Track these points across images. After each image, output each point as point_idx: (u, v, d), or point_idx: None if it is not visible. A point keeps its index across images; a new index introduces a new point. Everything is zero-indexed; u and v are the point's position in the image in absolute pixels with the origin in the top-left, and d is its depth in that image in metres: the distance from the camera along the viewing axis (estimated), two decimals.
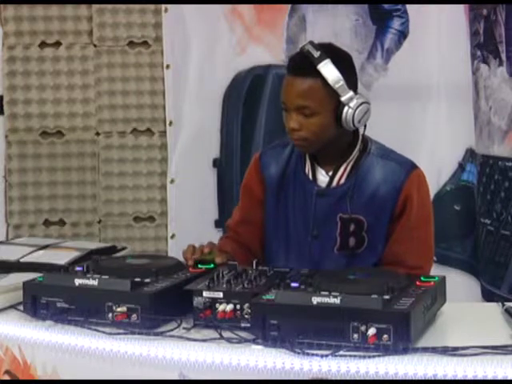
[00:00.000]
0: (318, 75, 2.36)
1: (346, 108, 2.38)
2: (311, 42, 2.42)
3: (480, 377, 1.71)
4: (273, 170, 2.58)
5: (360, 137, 2.52)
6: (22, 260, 2.50)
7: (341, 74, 2.36)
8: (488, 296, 3.23)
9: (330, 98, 2.37)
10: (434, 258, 3.50)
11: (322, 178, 2.52)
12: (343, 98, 2.37)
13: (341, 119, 2.39)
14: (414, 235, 2.49)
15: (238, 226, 2.66)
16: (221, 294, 1.99)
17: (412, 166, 2.51)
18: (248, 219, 2.64)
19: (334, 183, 2.50)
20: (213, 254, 2.38)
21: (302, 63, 2.40)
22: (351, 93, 2.38)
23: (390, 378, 1.74)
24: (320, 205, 2.50)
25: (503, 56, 3.12)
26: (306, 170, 2.53)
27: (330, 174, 2.50)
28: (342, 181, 2.49)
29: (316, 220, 2.50)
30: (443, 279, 2.12)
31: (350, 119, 2.39)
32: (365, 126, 2.48)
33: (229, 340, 1.90)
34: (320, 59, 2.36)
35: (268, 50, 3.66)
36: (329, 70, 2.35)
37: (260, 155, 2.65)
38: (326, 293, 1.89)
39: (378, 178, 2.47)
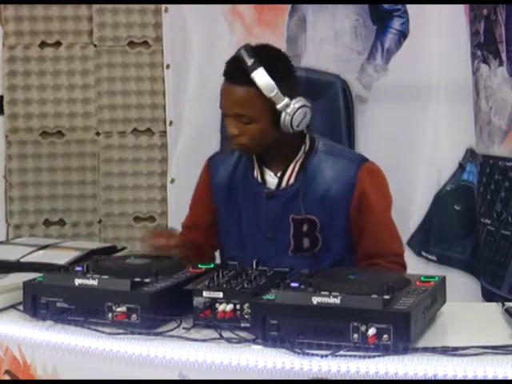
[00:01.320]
0: (253, 84, 2.34)
1: (283, 114, 2.37)
2: (246, 47, 2.39)
3: (480, 377, 1.71)
4: (221, 176, 2.59)
5: (306, 135, 2.51)
6: (22, 260, 2.51)
7: (274, 82, 2.34)
8: (488, 296, 3.23)
9: (266, 105, 2.37)
10: (434, 258, 3.53)
11: (271, 179, 2.51)
12: (279, 106, 2.36)
13: (279, 124, 2.39)
14: (382, 227, 2.51)
15: (186, 229, 2.68)
16: (221, 294, 1.99)
17: (362, 160, 2.51)
18: (195, 224, 2.65)
19: (284, 184, 2.50)
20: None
21: (237, 71, 2.38)
22: (286, 99, 2.36)
23: (390, 378, 1.74)
24: (271, 207, 2.49)
25: (503, 56, 3.11)
26: (255, 173, 2.53)
27: (279, 175, 2.50)
28: (292, 181, 2.49)
29: (269, 222, 2.50)
30: (443, 279, 2.12)
31: (288, 124, 2.38)
32: (308, 125, 2.47)
33: (229, 340, 1.90)
34: (253, 67, 2.34)
35: None
36: (262, 79, 2.34)
37: (209, 161, 2.66)
38: (326, 293, 1.89)
39: (328, 176, 2.47)
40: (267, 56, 2.40)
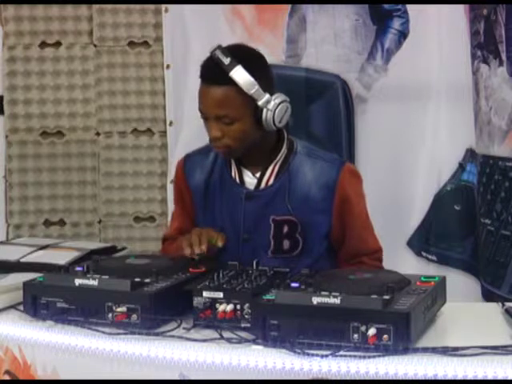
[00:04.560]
0: (232, 82, 2.34)
1: (264, 110, 2.37)
2: (220, 47, 2.39)
3: (480, 377, 1.71)
4: (197, 178, 2.56)
5: (285, 136, 2.51)
6: (22, 260, 2.51)
7: (254, 79, 2.34)
8: (488, 296, 3.23)
9: (247, 104, 2.36)
10: (434, 258, 3.53)
11: (250, 180, 2.51)
12: (260, 102, 2.36)
13: (261, 122, 2.38)
14: (364, 227, 2.54)
15: (179, 233, 2.61)
16: (221, 294, 1.99)
17: (341, 163, 2.52)
18: (185, 228, 2.60)
19: (263, 185, 2.49)
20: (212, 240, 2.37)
21: (214, 71, 2.38)
22: (267, 95, 2.37)
23: (390, 378, 1.74)
24: (249, 208, 2.48)
25: (503, 56, 3.11)
26: (233, 174, 2.52)
27: (258, 175, 2.50)
28: (271, 182, 2.48)
29: (246, 223, 2.49)
30: (443, 279, 2.12)
31: (270, 121, 2.38)
32: (287, 124, 2.45)
33: (229, 340, 1.90)
34: (231, 66, 2.34)
35: (268, 49, 3.64)
36: (241, 77, 2.33)
37: (184, 162, 2.63)
38: (326, 293, 1.89)
39: (308, 178, 2.47)
40: (243, 54, 2.40)
